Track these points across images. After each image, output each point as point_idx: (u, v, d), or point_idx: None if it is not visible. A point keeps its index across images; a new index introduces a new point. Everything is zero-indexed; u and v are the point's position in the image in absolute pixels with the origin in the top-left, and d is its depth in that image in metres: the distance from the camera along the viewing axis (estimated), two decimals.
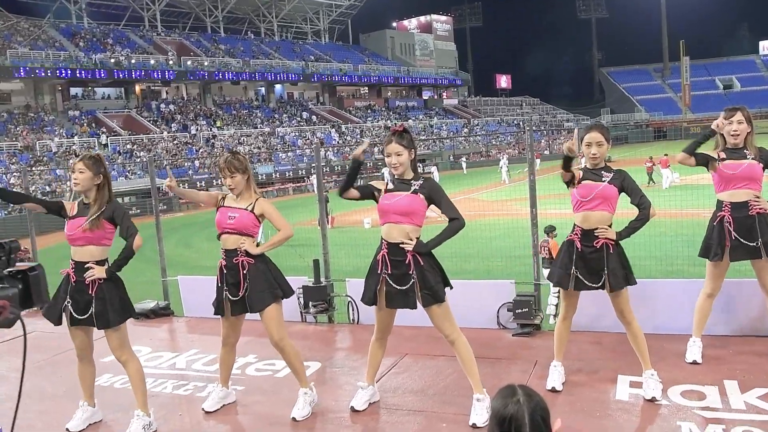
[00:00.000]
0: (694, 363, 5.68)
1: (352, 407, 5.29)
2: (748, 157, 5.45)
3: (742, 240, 5.43)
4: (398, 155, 4.90)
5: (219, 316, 5.45)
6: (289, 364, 5.43)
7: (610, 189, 5.09)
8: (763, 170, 5.49)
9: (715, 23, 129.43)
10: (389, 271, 4.93)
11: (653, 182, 29.27)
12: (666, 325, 6.34)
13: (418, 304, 4.95)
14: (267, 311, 5.22)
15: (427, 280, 4.88)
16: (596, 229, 5.10)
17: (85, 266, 5.07)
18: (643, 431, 4.72)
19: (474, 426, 4.83)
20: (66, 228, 5.15)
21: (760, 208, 5.42)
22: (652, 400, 5.03)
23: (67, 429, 5.35)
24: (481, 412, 4.85)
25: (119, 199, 39.63)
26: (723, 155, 5.53)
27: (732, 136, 5.45)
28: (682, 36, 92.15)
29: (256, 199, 5.32)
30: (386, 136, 5.02)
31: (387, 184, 5.05)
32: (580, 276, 5.19)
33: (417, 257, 4.89)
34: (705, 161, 5.58)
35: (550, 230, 12.38)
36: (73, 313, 5.09)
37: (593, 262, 5.13)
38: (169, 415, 5.63)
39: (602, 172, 5.15)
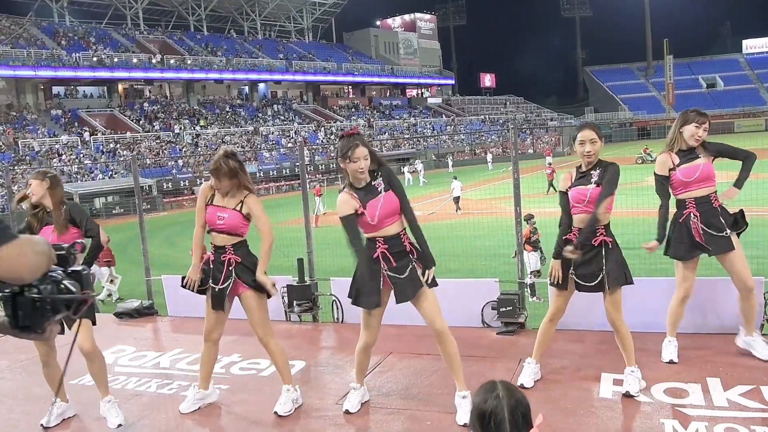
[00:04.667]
0: (671, 362, 5.72)
1: (346, 410, 5.24)
2: (699, 156, 5.55)
3: (713, 232, 5.52)
4: (366, 159, 4.77)
5: (203, 316, 5.46)
6: (274, 360, 5.44)
7: (597, 190, 5.11)
8: (713, 160, 5.59)
9: (698, 22, 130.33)
10: (393, 264, 4.87)
11: (553, 189, 27.78)
12: (649, 323, 6.37)
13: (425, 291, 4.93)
14: (248, 299, 5.25)
15: (425, 264, 4.95)
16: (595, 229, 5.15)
17: None
18: (627, 429, 4.74)
19: (466, 426, 4.84)
20: None
21: (720, 204, 5.58)
22: (627, 394, 5.07)
23: (41, 425, 5.39)
24: (468, 409, 4.86)
25: (103, 199, 39.53)
26: (676, 160, 5.60)
27: (695, 140, 5.52)
28: (666, 35, 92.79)
29: (245, 197, 5.26)
30: (343, 143, 4.78)
31: (357, 200, 4.84)
32: (578, 279, 5.25)
33: (413, 249, 4.93)
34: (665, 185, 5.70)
35: (528, 218, 12.56)
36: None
37: (592, 262, 5.16)
38: (152, 414, 5.60)
39: (592, 172, 5.16)
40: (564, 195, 5.34)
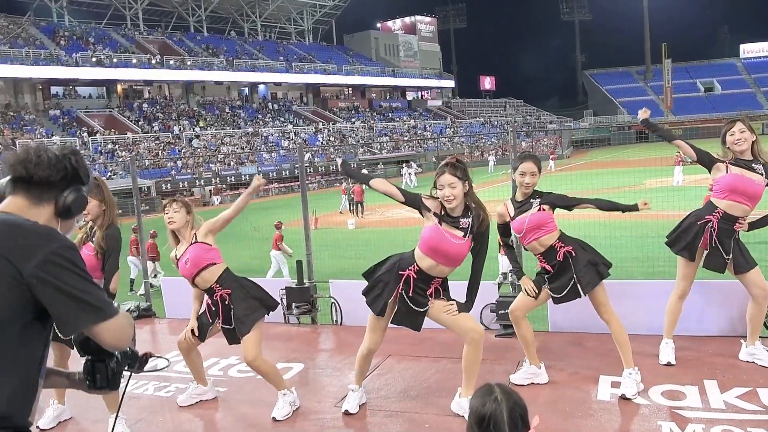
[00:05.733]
0: (669, 365, 5.73)
1: (346, 411, 5.25)
2: (756, 171, 5.35)
3: (719, 248, 5.46)
4: (452, 187, 4.64)
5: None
6: (265, 378, 5.43)
7: (538, 215, 5.19)
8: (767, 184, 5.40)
9: (696, 26, 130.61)
10: (410, 294, 4.89)
11: None
12: (647, 326, 6.38)
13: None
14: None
15: (460, 307, 4.97)
16: (552, 246, 5.21)
17: None
18: (624, 431, 4.75)
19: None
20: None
21: (741, 228, 5.47)
22: (623, 397, 5.08)
23: (37, 427, 5.36)
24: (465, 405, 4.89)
25: None
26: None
27: (736, 144, 5.35)
28: (665, 39, 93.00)
29: (197, 229, 5.37)
30: (438, 168, 4.81)
31: (440, 213, 4.78)
32: (553, 294, 5.33)
33: (439, 290, 4.96)
34: (707, 160, 5.53)
35: None
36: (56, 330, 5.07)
37: (562, 275, 5.25)
38: (150, 417, 5.60)
39: (531, 201, 5.26)
40: (503, 226, 5.49)
